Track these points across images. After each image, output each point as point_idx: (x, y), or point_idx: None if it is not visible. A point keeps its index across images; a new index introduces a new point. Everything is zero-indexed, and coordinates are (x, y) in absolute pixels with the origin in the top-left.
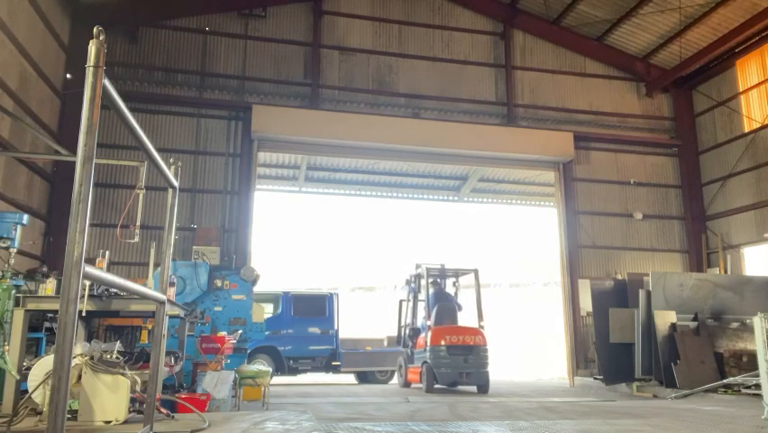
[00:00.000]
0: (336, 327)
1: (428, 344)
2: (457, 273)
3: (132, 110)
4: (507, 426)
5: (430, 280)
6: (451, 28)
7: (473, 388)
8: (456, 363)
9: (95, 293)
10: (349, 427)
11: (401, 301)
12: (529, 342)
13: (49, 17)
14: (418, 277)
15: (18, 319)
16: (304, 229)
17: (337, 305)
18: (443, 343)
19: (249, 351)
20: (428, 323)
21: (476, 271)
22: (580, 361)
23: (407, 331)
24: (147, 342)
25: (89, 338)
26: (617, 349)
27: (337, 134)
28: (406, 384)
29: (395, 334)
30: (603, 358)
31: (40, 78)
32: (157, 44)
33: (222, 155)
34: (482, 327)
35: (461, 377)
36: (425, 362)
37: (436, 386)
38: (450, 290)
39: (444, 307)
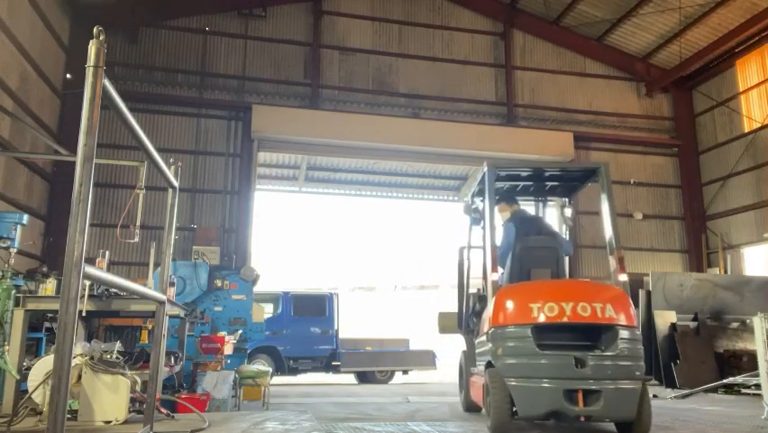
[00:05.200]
0: (336, 327)
1: (489, 322)
2: (568, 175)
3: (132, 110)
4: None
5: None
6: (451, 28)
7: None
8: (558, 367)
9: (95, 293)
10: (349, 427)
11: (461, 249)
12: None
13: (49, 17)
14: (484, 192)
15: (18, 319)
16: (304, 229)
17: (337, 305)
18: (521, 321)
19: (249, 351)
20: (493, 277)
21: (601, 170)
22: None
23: (472, 304)
24: (147, 342)
25: (89, 338)
26: None
27: (337, 134)
28: (469, 406)
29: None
30: None
31: (40, 78)
32: (157, 44)
33: (222, 155)
34: (623, 285)
35: (571, 401)
36: (489, 364)
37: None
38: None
39: (531, 245)
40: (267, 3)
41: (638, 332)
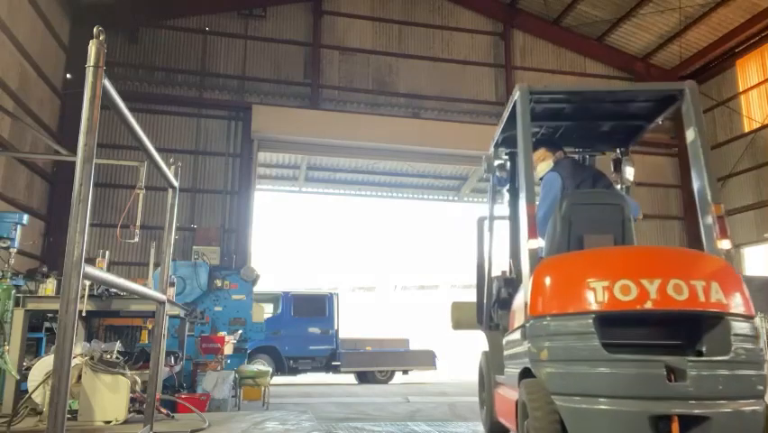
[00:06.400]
0: (336, 327)
1: (525, 312)
2: (634, 107)
3: (132, 110)
4: None
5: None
6: (451, 28)
7: None
8: (641, 381)
9: (95, 293)
10: (349, 427)
11: (481, 221)
12: None
13: (49, 17)
14: (516, 133)
15: (18, 319)
16: (304, 229)
17: (337, 305)
18: (577, 308)
19: (249, 351)
20: (531, 245)
21: (686, 94)
22: None
23: (496, 290)
24: (147, 342)
25: (89, 338)
26: None
27: (337, 134)
28: (494, 428)
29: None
30: None
31: (40, 78)
32: (157, 44)
33: (222, 155)
34: (728, 256)
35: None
36: (525, 372)
37: None
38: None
39: (584, 201)
40: (267, 3)
41: (758, 324)
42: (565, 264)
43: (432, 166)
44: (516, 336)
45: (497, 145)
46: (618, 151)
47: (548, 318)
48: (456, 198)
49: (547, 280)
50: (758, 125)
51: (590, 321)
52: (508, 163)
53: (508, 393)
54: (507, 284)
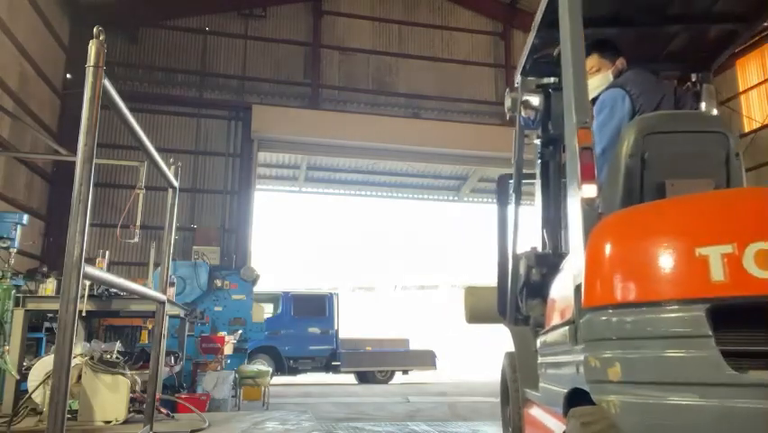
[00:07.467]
0: (336, 327)
1: (579, 295)
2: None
3: (132, 110)
4: None
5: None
6: (451, 28)
7: None
8: None
9: (95, 293)
10: (349, 427)
11: (503, 179)
12: None
13: (49, 17)
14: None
15: (18, 319)
16: (304, 229)
17: (337, 305)
18: (675, 293)
19: (249, 351)
20: (586, 192)
21: None
22: None
23: (524, 271)
24: (147, 342)
25: (89, 338)
26: None
27: (337, 134)
28: None
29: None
30: None
31: (40, 78)
32: (157, 44)
33: (222, 155)
34: None
35: None
36: (576, 394)
37: None
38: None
39: (667, 129)
40: (267, 3)
41: None
42: (647, 220)
43: (432, 166)
44: (559, 336)
45: (524, 73)
46: (696, 76)
47: (618, 311)
48: (456, 198)
49: (614, 248)
50: (758, 125)
51: (701, 314)
52: (536, 101)
53: (546, 420)
54: (540, 262)
